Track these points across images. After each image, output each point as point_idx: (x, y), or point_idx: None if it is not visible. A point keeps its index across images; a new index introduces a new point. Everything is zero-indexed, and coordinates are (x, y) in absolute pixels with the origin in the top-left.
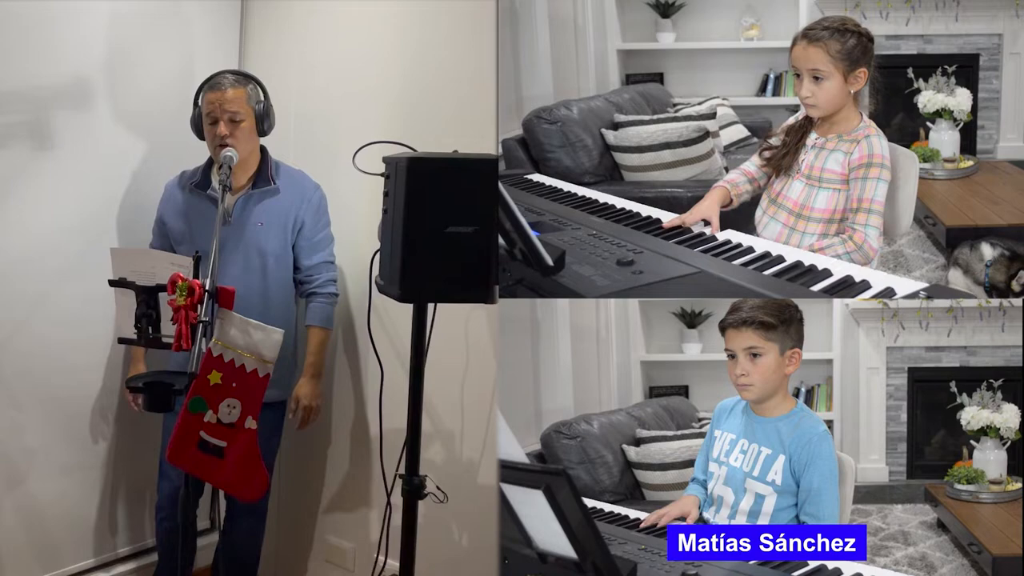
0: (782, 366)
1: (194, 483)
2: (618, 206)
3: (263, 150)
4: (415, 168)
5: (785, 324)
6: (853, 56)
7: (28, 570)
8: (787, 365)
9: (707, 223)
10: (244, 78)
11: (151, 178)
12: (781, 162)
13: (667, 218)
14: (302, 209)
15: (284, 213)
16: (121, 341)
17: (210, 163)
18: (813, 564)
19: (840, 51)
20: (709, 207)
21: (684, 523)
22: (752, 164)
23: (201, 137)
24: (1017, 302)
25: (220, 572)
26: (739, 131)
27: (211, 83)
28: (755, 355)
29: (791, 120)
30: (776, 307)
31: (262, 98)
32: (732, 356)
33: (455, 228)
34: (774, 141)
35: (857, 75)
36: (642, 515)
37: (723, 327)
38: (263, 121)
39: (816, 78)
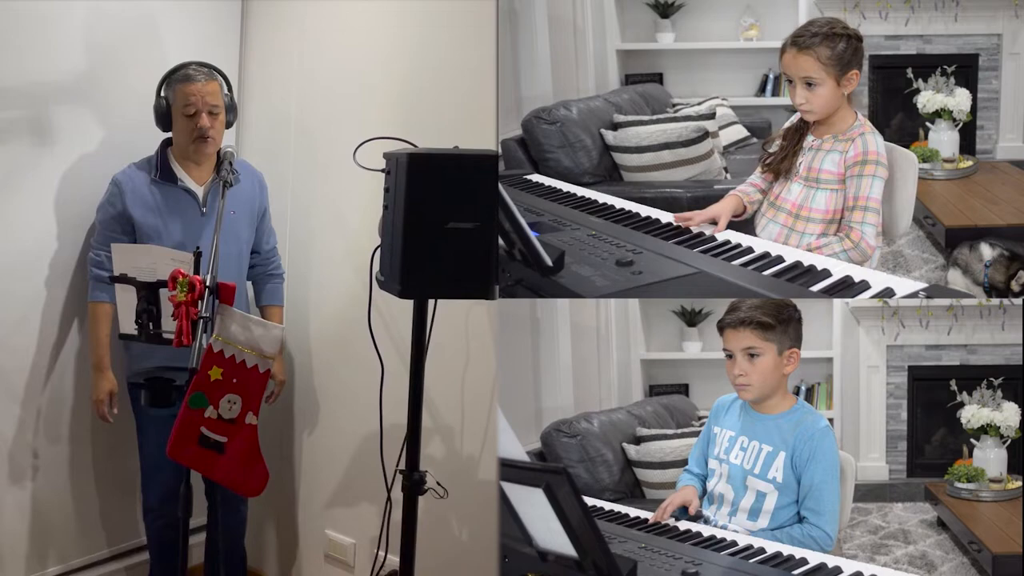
0: (780, 366)
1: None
2: (617, 206)
3: None
4: (415, 164)
5: (783, 324)
6: (844, 59)
7: (18, 569)
8: (785, 365)
9: (713, 223)
10: (212, 70)
11: None
12: (780, 166)
13: (666, 218)
14: (262, 196)
15: (249, 201)
16: (122, 337)
17: (167, 155)
18: (813, 563)
19: (831, 57)
20: (721, 208)
21: (687, 513)
22: (756, 176)
23: (166, 129)
24: (1017, 301)
25: (215, 566)
26: (738, 131)
27: (182, 75)
28: (753, 355)
29: (787, 123)
30: (774, 307)
31: (227, 91)
32: (730, 356)
33: (455, 224)
34: (773, 147)
35: (849, 77)
36: (642, 513)
37: (721, 327)
38: (231, 113)
39: (809, 84)
